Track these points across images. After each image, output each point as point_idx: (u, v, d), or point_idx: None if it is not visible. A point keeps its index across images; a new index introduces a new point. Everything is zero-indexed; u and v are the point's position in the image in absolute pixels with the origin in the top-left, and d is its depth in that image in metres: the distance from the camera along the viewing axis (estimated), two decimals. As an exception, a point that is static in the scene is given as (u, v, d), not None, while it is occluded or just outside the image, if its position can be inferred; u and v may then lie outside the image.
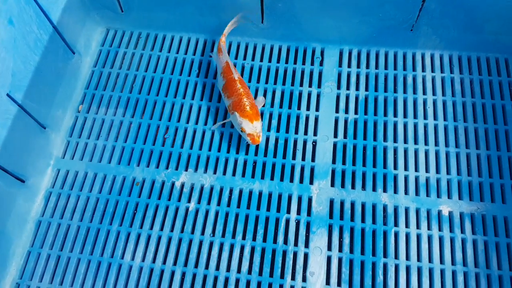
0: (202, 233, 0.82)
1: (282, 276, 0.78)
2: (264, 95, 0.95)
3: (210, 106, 0.95)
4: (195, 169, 0.88)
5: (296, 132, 0.91)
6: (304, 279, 0.77)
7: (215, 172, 0.88)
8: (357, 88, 0.94)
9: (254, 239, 0.81)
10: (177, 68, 1.00)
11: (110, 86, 0.99)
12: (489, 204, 0.80)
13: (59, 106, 0.93)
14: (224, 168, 0.88)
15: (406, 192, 0.83)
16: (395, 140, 0.88)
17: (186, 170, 0.88)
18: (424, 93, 0.92)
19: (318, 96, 0.95)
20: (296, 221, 0.82)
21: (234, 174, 0.87)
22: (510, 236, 0.77)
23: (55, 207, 0.86)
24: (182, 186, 0.86)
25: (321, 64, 0.98)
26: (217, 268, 0.79)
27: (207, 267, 0.79)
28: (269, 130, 0.91)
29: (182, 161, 0.89)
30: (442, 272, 0.76)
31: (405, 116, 0.90)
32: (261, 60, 0.99)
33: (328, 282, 0.77)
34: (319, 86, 0.96)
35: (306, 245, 0.80)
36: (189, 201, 0.85)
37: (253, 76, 0.97)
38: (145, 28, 1.04)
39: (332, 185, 0.85)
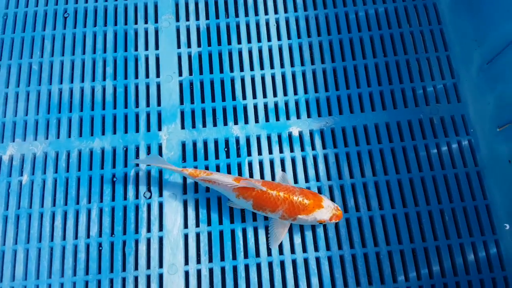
0: (42, 205, 0.82)
1: (136, 231, 0.82)
2: (94, 40, 0.94)
3: (31, 63, 0.91)
4: (23, 138, 0.86)
5: (136, 76, 0.92)
6: (161, 228, 0.82)
7: (47, 137, 0.87)
8: (197, 18, 0.96)
9: (101, 200, 0.83)
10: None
11: None
12: (337, 116, 0.89)
13: None
14: (57, 131, 0.87)
15: (256, 121, 0.89)
16: (241, 69, 0.92)
17: (13, 140, 0.86)
18: (266, 13, 0.96)
19: (156, 32, 0.95)
20: (147, 171, 0.85)
21: (69, 135, 0.87)
22: (359, 144, 0.87)
23: None
24: (11, 159, 0.85)
25: (156, -4, 0.97)
26: (64, 238, 0.81)
27: (52, 239, 0.80)
28: (104, 79, 0.91)
29: (7, 132, 0.86)
30: (298, 192, 0.85)
31: (249, 41, 0.94)
32: (86, 1, 0.96)
33: (186, 225, 0.82)
34: (156, 21, 0.96)
35: (160, 194, 0.84)
36: (21, 174, 0.84)
37: (79, 21, 0.95)
38: None
39: (183, 127, 0.89)
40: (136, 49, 0.93)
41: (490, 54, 0.84)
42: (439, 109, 0.88)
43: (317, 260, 0.80)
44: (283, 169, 0.85)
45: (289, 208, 0.76)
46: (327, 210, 0.76)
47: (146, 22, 0.95)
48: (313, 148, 0.87)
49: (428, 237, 0.81)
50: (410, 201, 0.83)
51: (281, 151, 0.87)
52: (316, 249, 0.81)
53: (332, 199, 0.84)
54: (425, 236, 0.81)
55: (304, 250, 0.81)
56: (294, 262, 0.80)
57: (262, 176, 0.85)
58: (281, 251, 0.80)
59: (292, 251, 0.80)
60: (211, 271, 0.80)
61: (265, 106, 0.90)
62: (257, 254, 0.80)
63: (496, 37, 0.82)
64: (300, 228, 0.82)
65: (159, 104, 0.90)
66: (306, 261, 0.80)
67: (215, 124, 0.89)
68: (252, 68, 0.92)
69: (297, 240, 0.81)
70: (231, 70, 0.92)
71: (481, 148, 0.85)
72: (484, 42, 0.86)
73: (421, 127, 0.87)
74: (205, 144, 0.87)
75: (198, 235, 0.82)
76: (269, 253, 0.80)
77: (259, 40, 0.94)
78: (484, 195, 0.83)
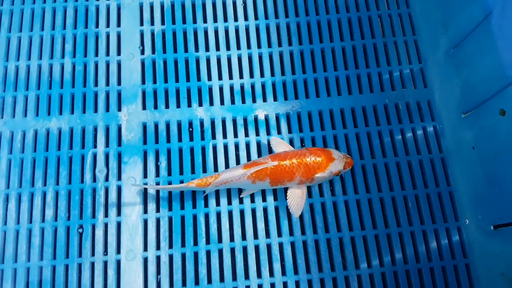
0: (-6, 187, 0.79)
1: (93, 215, 0.79)
2: (54, 16, 0.90)
3: None
4: (-27, 116, 0.82)
5: (96, 54, 0.88)
6: (119, 213, 0.79)
7: (1, 116, 0.83)
8: (162, -5, 0.93)
9: (57, 183, 0.80)
10: None
11: None
12: (303, 100, 0.87)
13: None
14: (12, 110, 0.83)
15: (222, 103, 0.86)
16: (207, 49, 0.89)
17: (-37, 119, 0.82)
18: (234, -9, 0.93)
19: (119, 8, 0.91)
20: (105, 154, 0.82)
21: (25, 114, 0.83)
22: (325, 129, 0.85)
23: None
24: (-39, 138, 0.81)
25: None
26: (18, 221, 0.78)
27: (5, 223, 0.77)
28: (63, 57, 0.87)
29: (-44, 110, 0.82)
30: (262, 177, 0.83)
31: (215, 20, 0.91)
32: (44, -27, 0.92)
33: (145, 210, 0.80)
34: (118, -3, 0.92)
35: (119, 177, 0.81)
36: (-29, 154, 0.80)
37: (37, -5, 0.91)
38: None
39: (144, 108, 0.86)
40: (97, 26, 0.90)
41: (457, 39, 0.83)
42: (405, 94, 0.87)
43: (280, 245, 0.79)
44: (248, 153, 0.84)
45: (305, 171, 0.76)
46: (339, 161, 0.77)
47: (108, -2, 0.91)
48: (279, 132, 0.85)
49: (391, 223, 0.81)
50: (374, 187, 0.82)
51: (246, 134, 0.85)
52: (280, 234, 0.80)
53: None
54: (388, 222, 0.81)
55: (268, 235, 0.79)
56: (256, 248, 0.79)
57: (226, 160, 0.83)
58: (244, 237, 0.79)
59: (255, 236, 0.79)
60: (171, 257, 0.78)
61: (231, 88, 0.88)
62: (219, 239, 0.79)
63: (462, 21, 0.81)
64: (264, 213, 0.80)
65: (119, 83, 0.87)
66: (269, 246, 0.79)
67: (178, 106, 0.86)
68: (218, 49, 0.89)
69: (260, 225, 0.80)
70: (196, 50, 0.89)
71: (446, 134, 0.85)
72: (451, 27, 0.85)
73: (386, 113, 0.86)
74: (168, 126, 0.85)
75: (158, 221, 0.79)
76: (232, 239, 0.79)
77: (225, 19, 0.91)
78: (448, 182, 0.83)
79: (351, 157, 0.81)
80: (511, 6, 0.70)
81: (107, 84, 0.86)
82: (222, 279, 0.77)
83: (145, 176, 0.82)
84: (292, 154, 0.77)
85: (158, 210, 0.80)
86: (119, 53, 0.88)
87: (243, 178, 0.76)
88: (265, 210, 0.81)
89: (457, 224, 0.81)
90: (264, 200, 0.81)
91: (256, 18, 0.91)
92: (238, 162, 0.83)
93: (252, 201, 0.81)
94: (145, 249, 0.78)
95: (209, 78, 0.88)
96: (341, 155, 0.78)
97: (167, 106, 0.86)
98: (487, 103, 0.77)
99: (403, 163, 0.84)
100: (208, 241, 0.79)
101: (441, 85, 0.87)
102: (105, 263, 0.77)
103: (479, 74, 0.78)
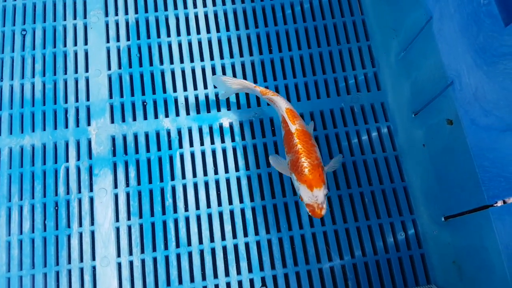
0: (-29, 204, 0.85)
1: (68, 225, 0.85)
2: (23, 37, 0.96)
3: (-44, 62, 0.92)
4: (-51, 137, 0.88)
5: (65, 72, 0.94)
6: (92, 223, 0.86)
7: (-25, 135, 0.89)
8: (126, 12, 0.98)
9: (32, 197, 0.86)
10: None
11: None
12: (265, 107, 0.93)
13: None
14: (-15, 129, 0.90)
15: (187, 113, 0.93)
16: (171, 62, 0.96)
17: None
18: (195, 6, 0.99)
19: (85, 28, 0.97)
20: (77, 167, 0.88)
21: (-1, 133, 0.90)
22: (286, 133, 0.92)
23: None
24: None
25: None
26: (-5, 235, 0.84)
27: (-17, 237, 0.83)
28: (33, 76, 0.93)
29: None
30: (228, 180, 0.89)
31: (178, 34, 0.97)
32: (12, -3, 0.98)
33: (117, 218, 0.86)
34: (84, 16, 0.98)
35: (90, 189, 0.87)
36: (-51, 173, 0.86)
37: (8, 18, 0.96)
38: None
39: (112, 121, 0.92)
40: (65, 45, 0.95)
41: (405, 43, 0.90)
42: (360, 98, 0.94)
43: (246, 245, 0.86)
44: (214, 160, 0.90)
45: (293, 162, 0.76)
46: (311, 196, 0.73)
47: (75, 18, 0.97)
48: (243, 138, 0.92)
49: (349, 218, 0.87)
50: (332, 185, 0.89)
51: (212, 142, 0.91)
52: (246, 234, 0.86)
53: (261, 187, 0.88)
54: (346, 217, 0.87)
55: (234, 236, 0.86)
56: (224, 249, 0.85)
57: (194, 167, 0.89)
58: (212, 239, 0.85)
59: (223, 238, 0.85)
60: (143, 261, 0.84)
61: (196, 98, 0.94)
62: (189, 243, 0.85)
63: (409, 25, 0.88)
64: (230, 215, 0.87)
65: (88, 99, 0.93)
66: (236, 246, 0.85)
67: (145, 118, 0.92)
68: (182, 61, 0.96)
69: (227, 227, 0.86)
70: (161, 63, 0.95)
71: (399, 133, 0.92)
72: (401, 31, 0.92)
73: (343, 116, 0.93)
74: (136, 137, 0.91)
75: (129, 228, 0.86)
76: (200, 241, 0.85)
77: (188, 33, 0.97)
78: (402, 177, 0.90)
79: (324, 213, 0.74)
80: (447, 11, 0.77)
81: (76, 100, 0.92)
82: (192, 279, 0.83)
83: (116, 186, 0.88)
84: (307, 145, 0.76)
85: (129, 218, 0.86)
86: (87, 70, 0.94)
87: (282, 110, 0.80)
88: (231, 212, 0.87)
89: (412, 217, 0.88)
90: (230, 203, 0.87)
91: (218, 30, 0.98)
92: (205, 169, 0.89)
93: (219, 204, 0.87)
94: (118, 255, 0.84)
95: (175, 90, 0.94)
96: (319, 199, 0.73)
97: (134, 119, 0.92)
98: (432, 103, 0.84)
99: (359, 161, 0.90)
100: (178, 245, 0.85)
101: (393, 87, 0.94)
102: (81, 270, 0.83)
103: (425, 75, 0.85)
